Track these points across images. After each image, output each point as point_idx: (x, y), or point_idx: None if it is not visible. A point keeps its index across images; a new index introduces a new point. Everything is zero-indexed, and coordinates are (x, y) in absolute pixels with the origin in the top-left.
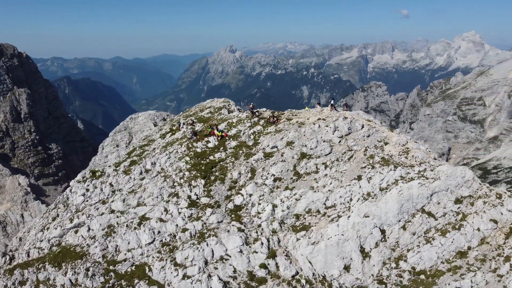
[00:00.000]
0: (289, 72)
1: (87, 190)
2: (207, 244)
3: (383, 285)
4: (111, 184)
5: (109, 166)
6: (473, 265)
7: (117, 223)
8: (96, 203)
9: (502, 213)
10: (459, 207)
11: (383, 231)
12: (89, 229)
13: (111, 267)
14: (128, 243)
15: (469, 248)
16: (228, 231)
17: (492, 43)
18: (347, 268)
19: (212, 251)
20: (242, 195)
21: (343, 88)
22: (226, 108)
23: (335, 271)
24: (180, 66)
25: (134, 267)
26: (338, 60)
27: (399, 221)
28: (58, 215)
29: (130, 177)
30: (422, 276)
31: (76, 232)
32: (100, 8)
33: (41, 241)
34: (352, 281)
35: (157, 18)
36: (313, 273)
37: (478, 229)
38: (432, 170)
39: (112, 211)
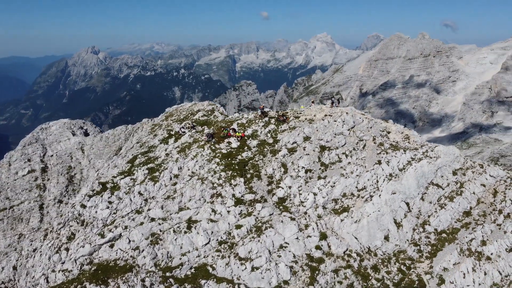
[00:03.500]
0: (159, 73)
1: (110, 202)
2: (267, 236)
3: (418, 247)
4: (140, 193)
5: (114, 176)
6: (478, 220)
7: (160, 230)
8: (128, 213)
9: (486, 179)
10: (456, 178)
11: (407, 204)
12: (129, 240)
13: (167, 274)
14: (181, 248)
15: (471, 208)
16: (282, 221)
17: (341, 43)
18: (386, 238)
19: (273, 241)
20: (283, 188)
21: (215, 88)
22: (217, 111)
23: (378, 242)
24: (33, 69)
25: (193, 269)
26: (207, 61)
27: (418, 194)
28: (74, 234)
29: (161, 184)
30: (444, 235)
31: (111, 246)
32: None
33: (63, 263)
34: (393, 248)
35: (3, 16)
36: (360, 247)
37: (474, 193)
38: (432, 151)
39: (152, 219)
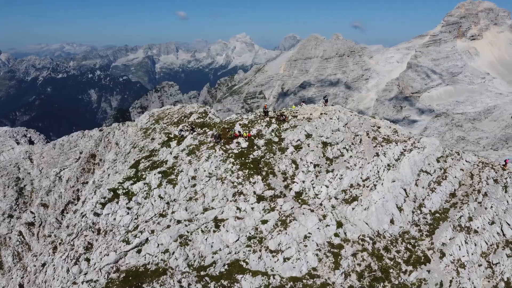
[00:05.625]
0: (72, 76)
1: (129, 208)
2: (292, 228)
3: (418, 227)
4: (160, 197)
5: (120, 182)
6: (463, 200)
7: (188, 231)
8: (152, 218)
9: (464, 164)
10: (440, 165)
11: (405, 190)
12: (157, 244)
13: (202, 273)
14: (211, 246)
15: (455, 190)
16: (303, 213)
17: (259, 44)
18: (392, 221)
19: (298, 232)
20: (297, 183)
21: (134, 90)
22: (210, 113)
23: (385, 225)
24: None
25: (226, 266)
26: (125, 61)
27: (413, 180)
28: (90, 243)
29: (180, 187)
30: (437, 215)
31: (138, 251)
32: None
33: (86, 274)
34: (398, 230)
35: None
36: (371, 231)
37: (455, 177)
38: (418, 142)
39: (178, 222)
